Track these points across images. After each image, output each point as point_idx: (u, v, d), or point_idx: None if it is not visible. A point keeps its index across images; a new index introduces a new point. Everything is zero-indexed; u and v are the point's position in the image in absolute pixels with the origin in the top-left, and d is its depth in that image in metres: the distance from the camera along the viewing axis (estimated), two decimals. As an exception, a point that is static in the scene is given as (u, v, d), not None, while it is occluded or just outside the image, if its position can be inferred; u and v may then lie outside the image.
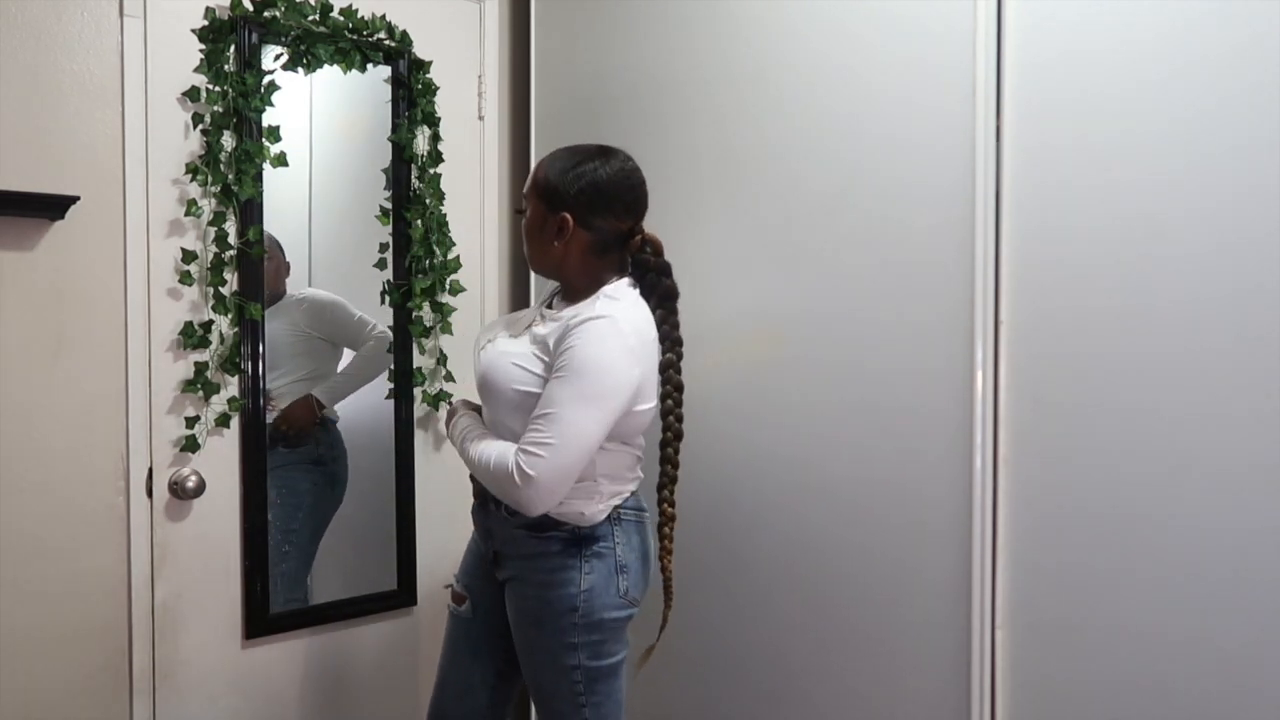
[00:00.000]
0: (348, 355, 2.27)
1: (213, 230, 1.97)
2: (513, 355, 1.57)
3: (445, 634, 1.78)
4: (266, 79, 2.00)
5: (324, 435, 2.21)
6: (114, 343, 1.90)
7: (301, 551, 2.19)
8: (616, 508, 1.61)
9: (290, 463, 2.14)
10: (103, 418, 1.90)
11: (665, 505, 1.64)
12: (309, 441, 2.19)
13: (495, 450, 1.52)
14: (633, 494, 1.65)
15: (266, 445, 2.06)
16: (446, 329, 2.29)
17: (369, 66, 2.16)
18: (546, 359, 1.53)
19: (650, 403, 1.59)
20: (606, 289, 1.58)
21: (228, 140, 1.98)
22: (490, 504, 1.65)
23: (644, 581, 1.65)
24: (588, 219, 1.58)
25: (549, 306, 1.66)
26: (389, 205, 2.22)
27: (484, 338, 1.68)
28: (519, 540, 1.61)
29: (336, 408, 2.24)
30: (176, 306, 1.96)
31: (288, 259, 2.17)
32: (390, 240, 2.23)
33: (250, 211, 2.00)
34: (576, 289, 1.62)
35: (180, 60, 1.94)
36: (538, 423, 1.47)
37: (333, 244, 2.25)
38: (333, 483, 2.24)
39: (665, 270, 1.63)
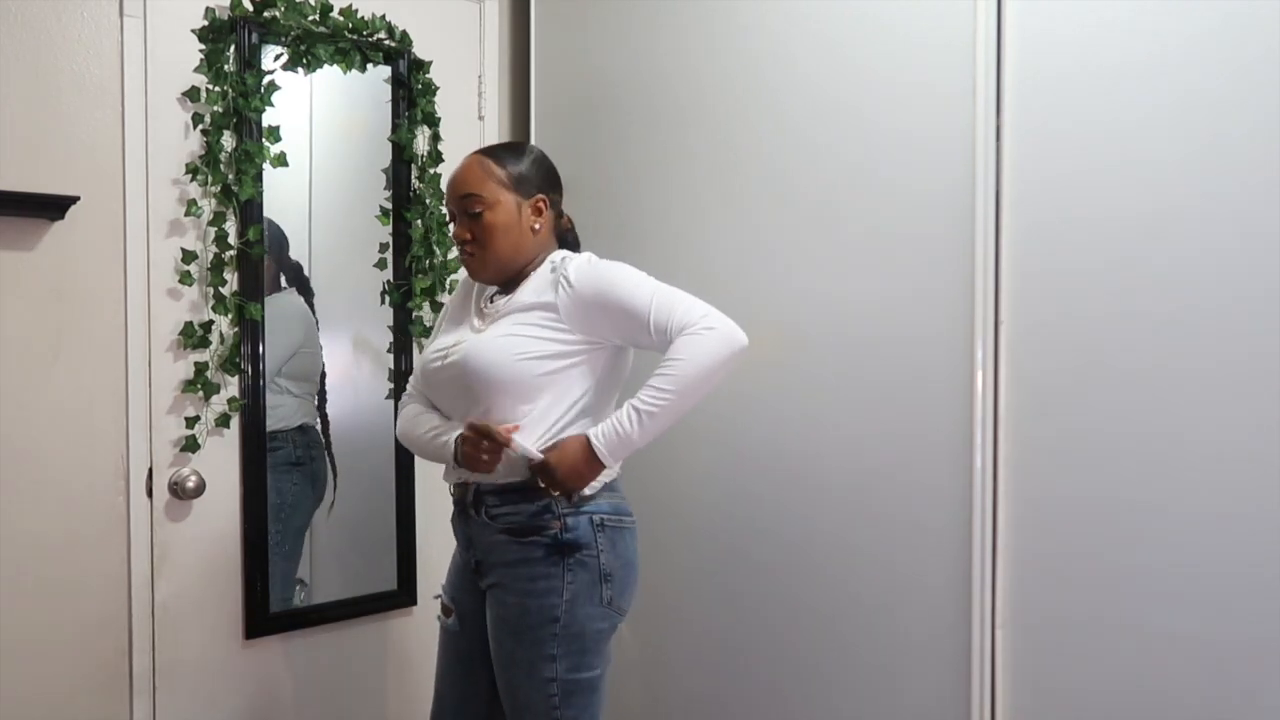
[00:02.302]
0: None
1: (213, 230, 1.97)
2: (500, 334, 1.56)
3: (438, 647, 1.76)
4: (266, 79, 2.00)
5: (300, 437, 2.19)
6: (114, 343, 1.90)
7: (290, 552, 2.18)
8: (602, 516, 1.58)
9: (270, 466, 2.12)
10: (103, 418, 1.90)
11: None
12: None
13: (678, 358, 1.50)
14: (619, 496, 1.63)
15: (266, 446, 2.06)
16: (446, 329, 2.29)
17: (369, 66, 2.16)
18: (553, 314, 1.55)
19: None
20: (547, 261, 1.64)
21: (228, 140, 1.98)
22: (471, 511, 1.62)
23: (632, 589, 1.63)
24: (552, 197, 1.68)
25: (490, 302, 1.66)
26: (389, 205, 2.22)
27: (434, 358, 1.64)
28: (500, 547, 1.59)
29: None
30: (176, 306, 1.96)
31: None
32: (390, 240, 2.23)
33: (250, 211, 2.00)
34: (523, 276, 1.64)
35: (180, 60, 1.94)
36: (663, 310, 1.52)
37: (333, 244, 2.25)
38: (313, 482, 2.23)
39: (578, 245, 1.76)
